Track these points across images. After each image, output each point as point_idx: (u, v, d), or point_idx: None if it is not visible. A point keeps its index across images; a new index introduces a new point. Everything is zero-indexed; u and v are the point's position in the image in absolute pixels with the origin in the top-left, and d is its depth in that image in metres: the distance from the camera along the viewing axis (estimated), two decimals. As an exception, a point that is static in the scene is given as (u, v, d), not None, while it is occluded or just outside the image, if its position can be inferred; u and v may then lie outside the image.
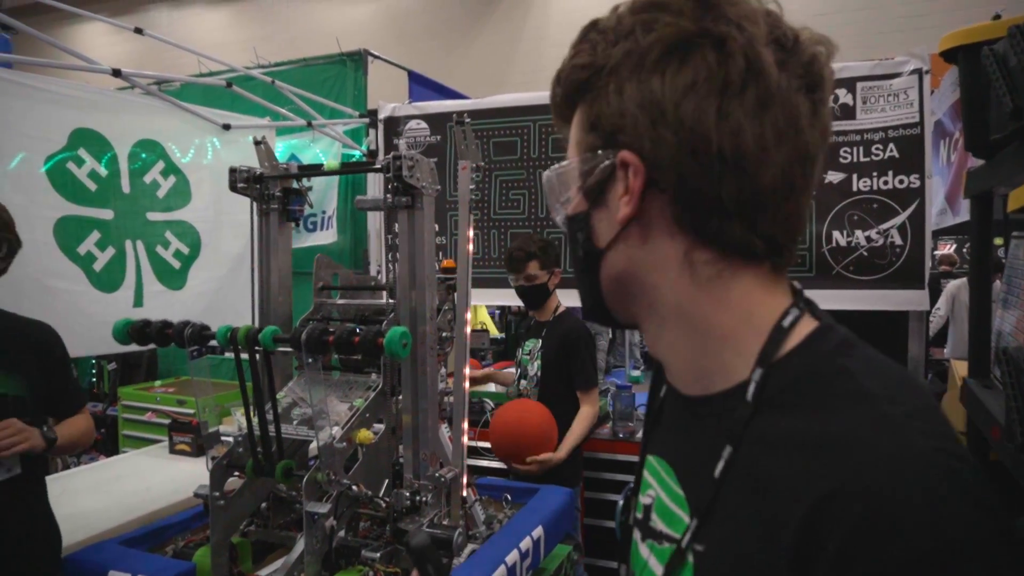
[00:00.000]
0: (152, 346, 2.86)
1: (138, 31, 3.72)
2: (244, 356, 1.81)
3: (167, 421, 3.55)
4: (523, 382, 3.24)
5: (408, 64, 4.99)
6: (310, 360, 1.69)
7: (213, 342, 1.80)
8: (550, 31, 9.77)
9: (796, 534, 0.54)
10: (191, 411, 4.41)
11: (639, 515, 0.78)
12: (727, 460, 0.62)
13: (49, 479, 3.48)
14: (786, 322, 0.64)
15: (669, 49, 0.62)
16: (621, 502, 0.84)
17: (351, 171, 2.16)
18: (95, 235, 2.75)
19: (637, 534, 0.77)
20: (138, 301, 2.92)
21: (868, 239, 3.33)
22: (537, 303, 3.19)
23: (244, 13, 11.87)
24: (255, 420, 1.85)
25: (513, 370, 3.43)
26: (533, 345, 3.22)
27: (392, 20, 10.38)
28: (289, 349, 1.72)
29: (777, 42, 0.62)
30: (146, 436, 4.56)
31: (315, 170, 2.10)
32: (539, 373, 3.15)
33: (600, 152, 0.66)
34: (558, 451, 2.91)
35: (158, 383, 5.19)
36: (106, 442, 5.11)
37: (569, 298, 3.31)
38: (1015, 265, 1.81)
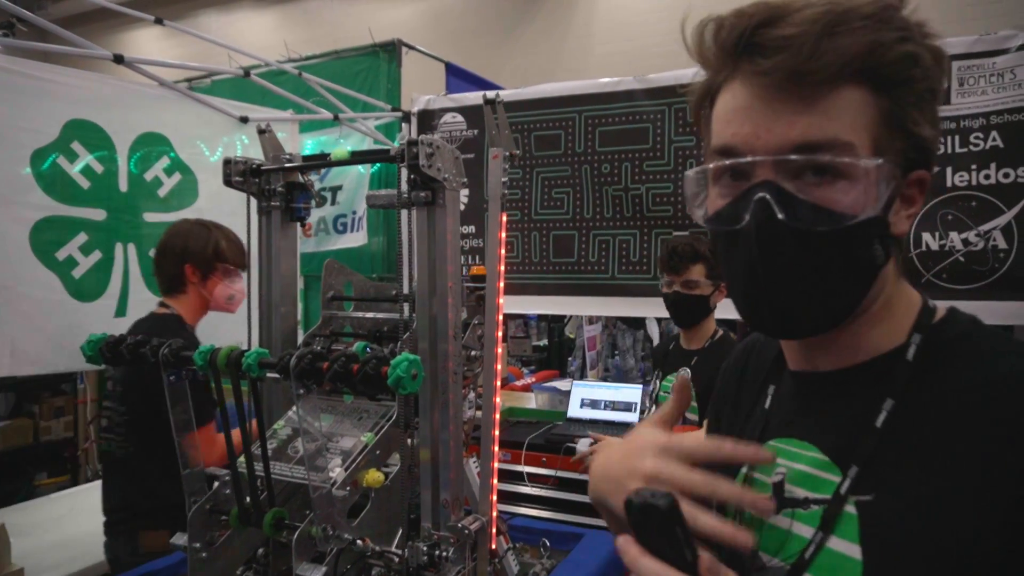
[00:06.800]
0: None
1: (158, 21, 3.50)
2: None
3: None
4: None
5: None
6: (300, 391, 1.37)
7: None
8: (595, 28, 9.48)
9: None
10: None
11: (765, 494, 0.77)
12: (890, 411, 0.68)
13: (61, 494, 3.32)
14: (930, 302, 0.75)
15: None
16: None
17: (361, 161, 1.86)
18: (81, 238, 2.48)
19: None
20: (121, 311, 2.62)
21: (965, 242, 2.88)
22: (691, 320, 2.58)
23: (290, 16, 11.85)
24: (241, 459, 1.55)
25: (640, 405, 2.82)
26: None
27: (435, 20, 10.21)
28: (277, 376, 1.41)
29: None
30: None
31: (320, 160, 1.80)
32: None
33: (893, 161, 0.66)
34: None
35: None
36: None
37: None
38: None
